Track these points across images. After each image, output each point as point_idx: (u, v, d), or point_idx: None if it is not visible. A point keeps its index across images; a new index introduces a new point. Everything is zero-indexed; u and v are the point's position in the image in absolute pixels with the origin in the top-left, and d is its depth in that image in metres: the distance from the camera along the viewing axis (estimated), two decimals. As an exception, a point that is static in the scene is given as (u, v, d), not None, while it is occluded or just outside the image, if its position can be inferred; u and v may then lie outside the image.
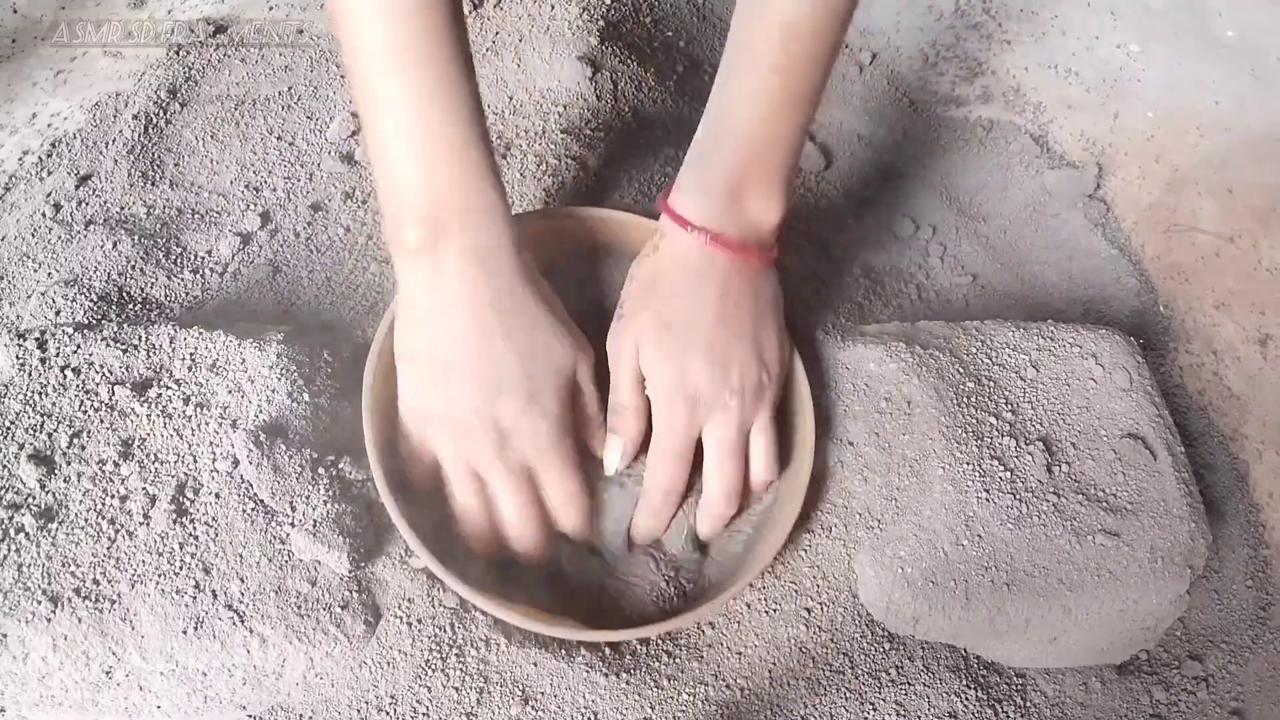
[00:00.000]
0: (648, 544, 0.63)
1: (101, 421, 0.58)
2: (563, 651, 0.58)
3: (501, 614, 0.55)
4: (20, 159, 0.83)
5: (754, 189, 0.56)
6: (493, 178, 0.54)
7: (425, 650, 0.57)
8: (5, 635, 0.52)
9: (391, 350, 0.59)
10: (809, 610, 0.62)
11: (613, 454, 0.60)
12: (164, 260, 0.73)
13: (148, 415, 0.59)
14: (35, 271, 0.72)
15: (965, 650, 0.64)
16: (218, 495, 0.57)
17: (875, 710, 0.60)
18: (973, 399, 0.66)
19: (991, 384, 0.67)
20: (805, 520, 0.64)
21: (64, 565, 0.53)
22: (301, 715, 0.57)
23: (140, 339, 0.62)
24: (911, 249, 0.87)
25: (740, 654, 0.61)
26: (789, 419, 0.64)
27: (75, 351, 0.60)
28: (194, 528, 0.55)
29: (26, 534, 0.54)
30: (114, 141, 0.82)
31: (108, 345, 0.61)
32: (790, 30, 0.52)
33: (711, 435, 0.59)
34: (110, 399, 0.59)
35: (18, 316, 0.70)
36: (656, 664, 0.60)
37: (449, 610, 0.58)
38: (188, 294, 0.71)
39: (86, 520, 0.55)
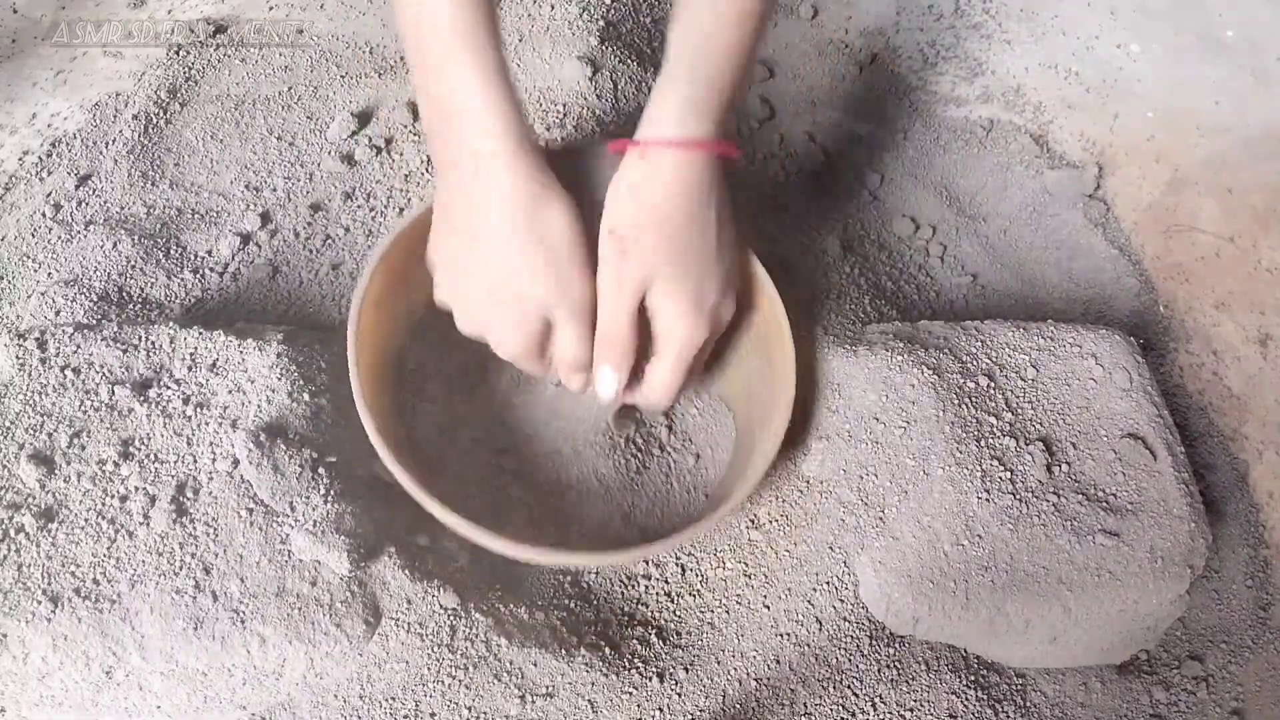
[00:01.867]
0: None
1: (101, 421, 0.58)
2: (562, 651, 0.58)
3: (487, 540, 0.53)
4: (20, 159, 0.83)
5: (737, 94, 0.58)
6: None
7: (425, 650, 0.57)
8: (5, 635, 0.52)
9: (383, 270, 0.61)
10: (809, 610, 0.62)
11: (608, 386, 0.60)
12: (164, 260, 0.73)
13: (148, 415, 0.59)
14: (35, 271, 0.72)
15: (965, 650, 0.64)
16: (218, 495, 0.57)
17: (875, 710, 0.60)
18: (973, 399, 0.65)
19: (991, 384, 0.67)
20: (806, 520, 0.64)
21: (64, 565, 0.53)
22: (301, 715, 0.57)
23: (140, 339, 0.62)
24: (911, 249, 0.87)
25: (741, 654, 0.61)
26: (766, 337, 0.63)
27: (75, 351, 0.60)
28: (194, 528, 0.55)
29: (26, 534, 0.54)
30: (114, 141, 0.82)
31: (108, 345, 0.61)
32: None
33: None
34: (110, 399, 0.59)
35: (18, 316, 0.70)
36: (656, 663, 0.60)
37: (449, 610, 0.58)
38: (188, 294, 0.71)
39: (86, 520, 0.55)
